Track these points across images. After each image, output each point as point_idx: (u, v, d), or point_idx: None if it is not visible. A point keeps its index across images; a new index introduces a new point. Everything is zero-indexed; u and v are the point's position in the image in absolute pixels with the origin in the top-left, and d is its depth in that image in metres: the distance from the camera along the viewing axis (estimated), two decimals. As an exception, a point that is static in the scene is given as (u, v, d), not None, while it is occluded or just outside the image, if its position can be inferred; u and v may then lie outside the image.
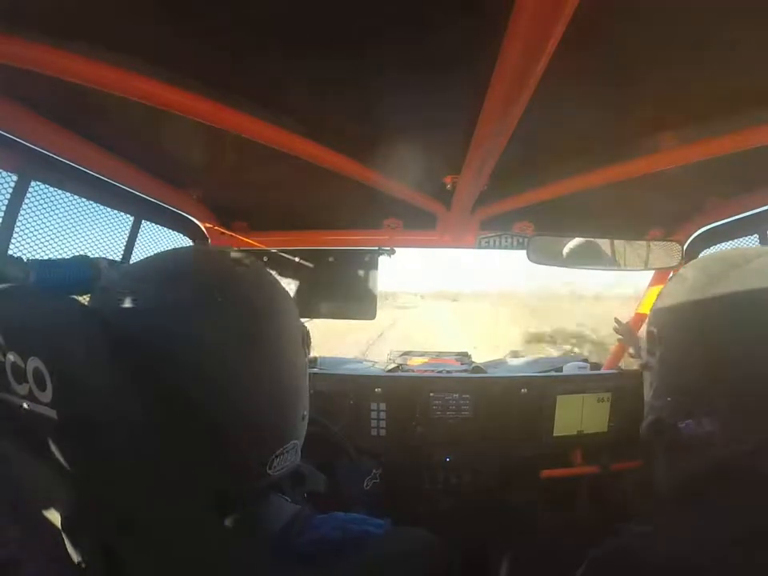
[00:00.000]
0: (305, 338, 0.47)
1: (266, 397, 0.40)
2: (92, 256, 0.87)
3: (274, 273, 1.40)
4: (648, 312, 1.50)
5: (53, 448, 0.32)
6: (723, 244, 1.20)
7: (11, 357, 0.32)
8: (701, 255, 1.28)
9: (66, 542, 0.33)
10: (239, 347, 0.38)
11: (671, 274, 1.37)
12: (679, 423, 0.47)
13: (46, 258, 0.79)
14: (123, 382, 0.33)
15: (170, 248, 1.17)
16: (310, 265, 1.38)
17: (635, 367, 1.37)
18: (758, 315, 0.43)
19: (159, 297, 0.38)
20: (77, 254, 0.69)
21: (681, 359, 0.49)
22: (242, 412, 0.39)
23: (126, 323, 0.37)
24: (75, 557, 0.33)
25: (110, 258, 0.87)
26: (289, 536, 0.41)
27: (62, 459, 0.31)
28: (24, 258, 0.66)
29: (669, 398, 0.50)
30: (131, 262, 0.99)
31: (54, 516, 0.34)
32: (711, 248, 1.25)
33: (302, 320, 0.48)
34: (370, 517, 0.47)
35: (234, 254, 0.45)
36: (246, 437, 0.39)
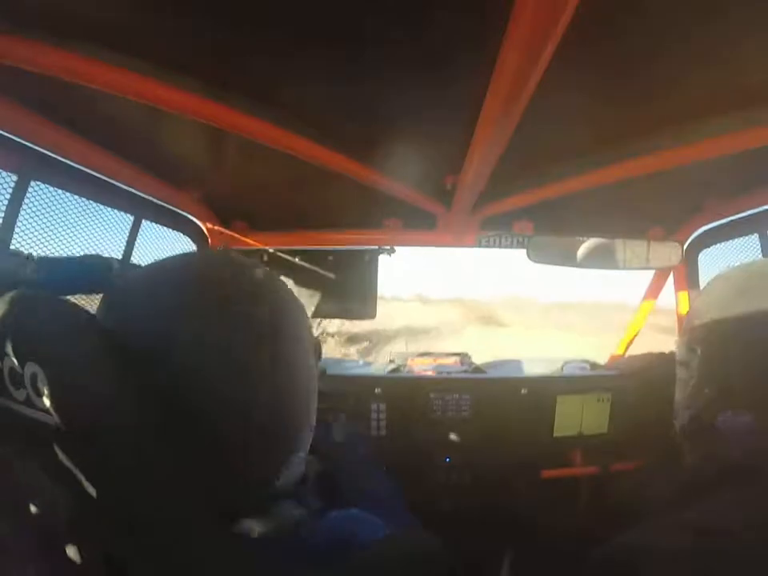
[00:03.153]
0: (316, 351, 0.46)
1: (277, 410, 0.39)
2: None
3: (273, 272, 1.41)
4: (646, 315, 1.50)
5: (51, 454, 0.31)
6: (723, 244, 1.20)
7: (9, 362, 0.32)
8: (701, 255, 1.28)
9: (67, 546, 0.33)
10: (252, 358, 0.38)
11: (671, 273, 1.37)
12: (717, 418, 0.48)
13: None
14: (123, 387, 0.33)
15: (173, 249, 1.17)
16: (310, 265, 1.38)
17: (635, 368, 1.37)
18: None
19: (171, 304, 0.37)
20: (77, 254, 0.69)
21: (723, 353, 0.49)
22: (253, 423, 0.38)
23: (136, 329, 0.37)
24: (76, 561, 0.33)
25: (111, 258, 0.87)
26: (286, 539, 0.41)
27: (60, 465, 0.31)
28: (34, 255, 0.65)
29: (707, 390, 0.50)
30: (139, 264, 0.99)
31: (55, 520, 0.34)
32: (711, 248, 1.25)
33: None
34: (368, 514, 0.47)
35: (248, 262, 0.44)
36: (256, 448, 0.39)
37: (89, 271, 0.46)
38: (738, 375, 0.47)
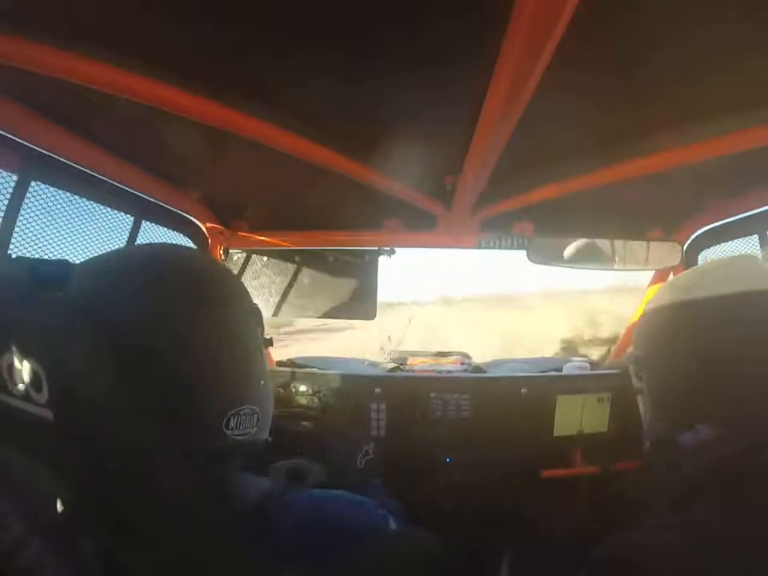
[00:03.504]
0: (257, 317, 0.53)
1: (217, 360, 0.45)
2: (90, 257, 0.88)
3: (274, 272, 1.41)
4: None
5: (50, 449, 0.32)
6: (723, 244, 1.20)
7: (8, 358, 0.33)
8: (701, 256, 1.28)
9: (67, 540, 0.33)
10: (195, 323, 0.43)
11: (671, 275, 1.37)
12: (677, 437, 0.48)
13: (44, 258, 0.79)
14: (117, 379, 0.33)
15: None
16: (310, 265, 1.38)
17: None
18: (739, 315, 0.45)
19: (129, 287, 0.42)
20: (77, 254, 0.69)
21: (669, 375, 0.50)
22: (198, 374, 0.43)
23: (99, 314, 0.39)
24: (75, 555, 0.33)
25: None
26: (265, 514, 0.43)
27: (58, 460, 0.31)
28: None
29: (664, 415, 0.51)
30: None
31: (54, 515, 0.34)
32: (711, 248, 1.24)
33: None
34: (354, 495, 0.48)
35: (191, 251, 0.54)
36: (203, 395, 0.43)
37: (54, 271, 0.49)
38: (687, 392, 0.48)
